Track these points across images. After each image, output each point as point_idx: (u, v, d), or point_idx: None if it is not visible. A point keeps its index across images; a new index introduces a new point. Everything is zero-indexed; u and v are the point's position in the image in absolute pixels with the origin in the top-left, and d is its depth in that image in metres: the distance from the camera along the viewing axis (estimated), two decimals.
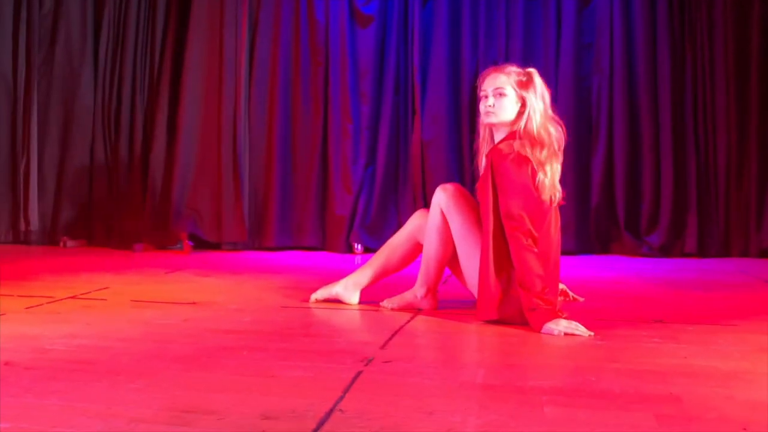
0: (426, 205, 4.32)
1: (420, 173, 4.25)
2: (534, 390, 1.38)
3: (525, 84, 2.06)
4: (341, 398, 1.32)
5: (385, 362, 1.58)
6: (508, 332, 1.92)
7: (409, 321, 2.07)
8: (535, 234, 1.97)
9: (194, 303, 2.38)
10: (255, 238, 4.27)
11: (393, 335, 1.87)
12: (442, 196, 2.16)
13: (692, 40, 3.93)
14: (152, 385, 1.40)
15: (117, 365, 1.56)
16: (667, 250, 3.91)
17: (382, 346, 1.74)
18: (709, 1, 3.88)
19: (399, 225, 4.37)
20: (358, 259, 3.98)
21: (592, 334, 1.85)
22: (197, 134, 4.30)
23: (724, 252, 3.87)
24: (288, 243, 4.29)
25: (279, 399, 1.32)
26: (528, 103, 2.03)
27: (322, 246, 4.27)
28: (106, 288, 2.70)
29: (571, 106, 4.07)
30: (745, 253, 3.84)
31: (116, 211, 4.44)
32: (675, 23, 3.96)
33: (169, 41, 4.42)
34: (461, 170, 4.30)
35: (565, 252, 3.95)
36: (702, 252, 3.88)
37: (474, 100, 4.29)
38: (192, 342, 1.79)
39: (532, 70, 2.10)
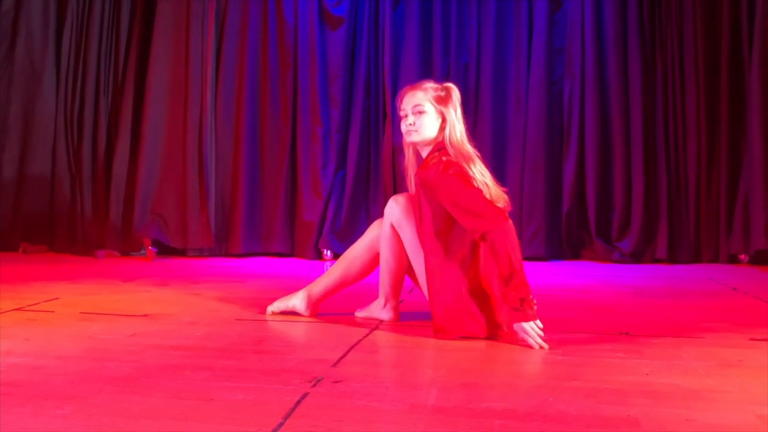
0: None
1: (391, 178, 4.18)
2: (486, 413, 1.31)
3: (443, 99, 2.03)
4: (280, 425, 1.24)
5: (335, 382, 1.50)
6: (467, 347, 1.85)
7: (367, 335, 1.99)
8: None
9: (146, 315, 2.28)
10: (221, 245, 4.17)
11: (348, 351, 1.79)
12: (394, 210, 2.09)
13: (662, 46, 3.92)
14: (80, 411, 1.31)
15: (47, 387, 1.46)
16: (638, 256, 3.89)
17: (335, 364, 1.66)
18: (679, 7, 3.87)
19: None
20: (327, 265, 3.89)
21: (546, 347, 1.80)
22: (162, 137, 4.18)
23: (695, 258, 3.86)
24: (256, 249, 4.19)
25: (214, 426, 1.23)
26: (448, 118, 2.01)
27: (290, 252, 4.18)
28: (57, 299, 2.58)
29: (543, 111, 4.04)
30: (715, 259, 3.83)
31: (78, 216, 4.30)
32: (645, 29, 3.95)
33: (134, 41, 4.30)
34: None
35: (536, 258, 3.92)
36: (673, 258, 3.86)
37: None
38: (133, 360, 1.69)
39: (449, 85, 2.07)
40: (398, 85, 4.22)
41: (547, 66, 4.05)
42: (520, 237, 2.21)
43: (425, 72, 4.23)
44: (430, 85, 2.05)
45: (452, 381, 1.53)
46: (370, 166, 4.26)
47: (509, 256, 1.81)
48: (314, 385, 1.47)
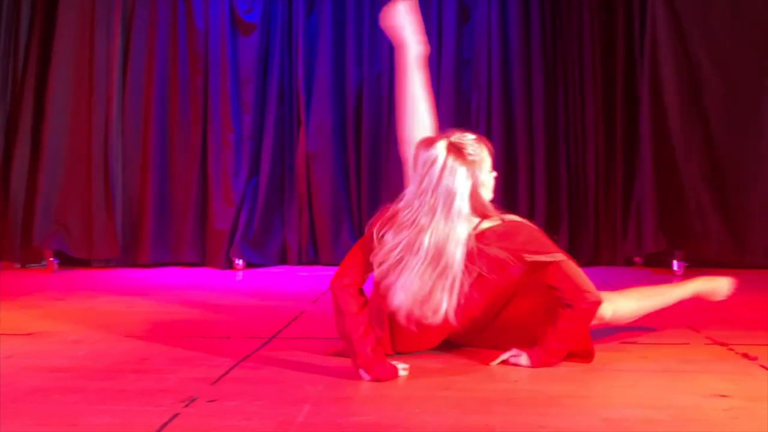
0: (311, 216, 4.25)
1: (306, 185, 4.18)
2: (352, 427, 1.35)
3: None
4: None
5: (209, 401, 1.50)
6: None
7: (256, 350, 1.99)
8: None
9: (30, 334, 2.19)
10: (129, 254, 4.04)
11: (231, 369, 1.79)
12: None
13: (564, 61, 4.09)
14: None
15: None
16: None
17: (214, 382, 1.66)
18: (579, 24, 4.05)
19: (284, 238, 4.29)
20: (239, 275, 3.85)
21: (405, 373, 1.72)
22: (64, 143, 4.02)
23: (594, 261, 4.04)
24: (165, 259, 4.09)
25: None
26: None
27: (201, 262, 4.10)
28: None
29: (452, 120, 4.12)
30: (612, 262, 4.03)
31: None
32: (548, 44, 4.11)
33: (34, 42, 4.11)
34: (347, 182, 4.27)
35: None
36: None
37: (360, 112, 4.30)
38: (3, 384, 1.63)
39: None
40: (312, 92, 4.22)
41: (455, 77, 4.16)
42: None
43: (339, 80, 4.25)
44: None
45: (327, 396, 1.56)
46: (285, 173, 4.23)
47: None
48: (187, 405, 1.47)
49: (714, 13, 3.85)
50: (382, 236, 1.69)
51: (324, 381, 1.68)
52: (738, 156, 3.89)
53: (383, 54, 4.22)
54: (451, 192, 1.67)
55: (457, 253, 1.66)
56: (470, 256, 1.69)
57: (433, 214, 1.66)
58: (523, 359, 1.79)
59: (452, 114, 4.14)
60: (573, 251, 4.04)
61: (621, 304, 2.04)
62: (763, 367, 1.80)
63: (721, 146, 3.90)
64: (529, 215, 4.10)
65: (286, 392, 1.58)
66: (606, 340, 2.10)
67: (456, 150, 1.71)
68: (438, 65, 4.17)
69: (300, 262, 4.14)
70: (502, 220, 1.80)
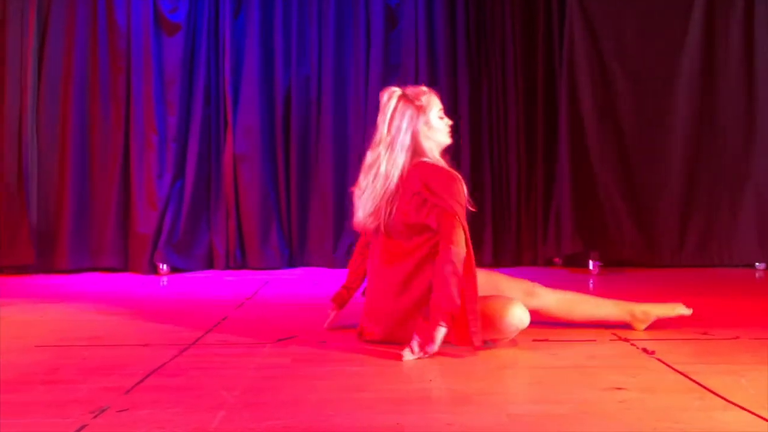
0: (239, 220, 4.21)
1: (233, 188, 4.13)
2: None
3: None
4: None
5: (120, 411, 1.48)
6: (274, 363, 1.90)
7: (174, 357, 1.96)
8: None
9: None
10: (45, 260, 3.88)
11: (146, 377, 1.76)
12: None
13: (488, 67, 4.23)
14: None
15: None
16: None
17: (127, 392, 1.63)
18: (502, 35, 4.20)
19: (210, 242, 4.22)
20: (164, 280, 3.77)
21: None
22: None
23: (517, 262, 4.20)
24: (85, 264, 3.96)
25: None
26: None
27: (124, 267, 3.99)
28: None
29: None
30: (534, 262, 4.20)
31: None
32: (473, 53, 4.24)
33: None
34: (276, 185, 4.25)
35: None
36: (497, 263, 4.17)
37: (288, 115, 4.29)
38: None
39: None
40: (239, 93, 4.18)
41: (383, 81, 4.20)
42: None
43: (267, 81, 4.23)
44: None
45: (243, 401, 1.56)
46: (211, 175, 4.17)
47: None
48: (96, 416, 1.44)
49: (626, 24, 4.09)
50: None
51: (241, 387, 1.68)
52: (648, 162, 4.14)
53: (312, 56, 4.24)
54: (399, 129, 2.06)
55: (394, 176, 2.05)
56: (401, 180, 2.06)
57: (383, 146, 2.07)
58: (415, 343, 1.92)
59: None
60: (496, 252, 4.20)
61: (548, 297, 2.30)
62: (659, 360, 1.93)
63: (633, 152, 4.14)
64: None
65: (201, 399, 1.58)
66: (520, 338, 2.19)
67: (406, 97, 2.10)
68: (366, 70, 4.22)
69: (227, 267, 4.09)
70: (437, 162, 2.11)
